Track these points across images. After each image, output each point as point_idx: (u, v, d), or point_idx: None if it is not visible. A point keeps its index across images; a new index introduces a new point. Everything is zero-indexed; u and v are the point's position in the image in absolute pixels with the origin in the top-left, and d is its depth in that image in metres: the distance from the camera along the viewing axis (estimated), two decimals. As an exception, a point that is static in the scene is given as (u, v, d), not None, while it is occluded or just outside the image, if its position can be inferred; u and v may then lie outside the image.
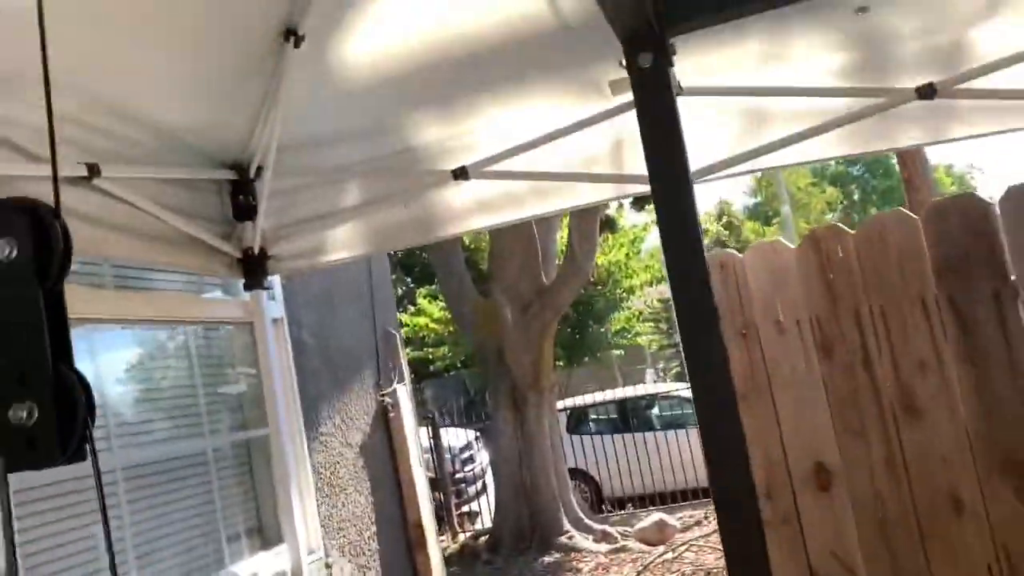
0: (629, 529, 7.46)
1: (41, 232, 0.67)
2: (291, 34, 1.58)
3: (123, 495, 1.83)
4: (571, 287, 7.27)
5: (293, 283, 2.20)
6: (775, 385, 2.08)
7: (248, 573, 1.94)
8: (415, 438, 2.64)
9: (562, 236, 8.22)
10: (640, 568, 6.18)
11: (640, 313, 18.51)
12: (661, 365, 20.20)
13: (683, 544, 6.59)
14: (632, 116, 1.67)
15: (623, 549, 6.93)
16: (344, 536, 2.10)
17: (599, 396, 10.78)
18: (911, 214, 1.95)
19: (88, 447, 0.66)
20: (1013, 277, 1.84)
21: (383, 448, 2.40)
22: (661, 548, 6.71)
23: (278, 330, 2.06)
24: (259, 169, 1.94)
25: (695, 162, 1.25)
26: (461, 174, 1.86)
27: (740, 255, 2.12)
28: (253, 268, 1.95)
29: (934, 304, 1.87)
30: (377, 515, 2.26)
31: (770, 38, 1.65)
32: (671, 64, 1.06)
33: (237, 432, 2.10)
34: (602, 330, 15.99)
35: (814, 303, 2.01)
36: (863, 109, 1.67)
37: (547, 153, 1.83)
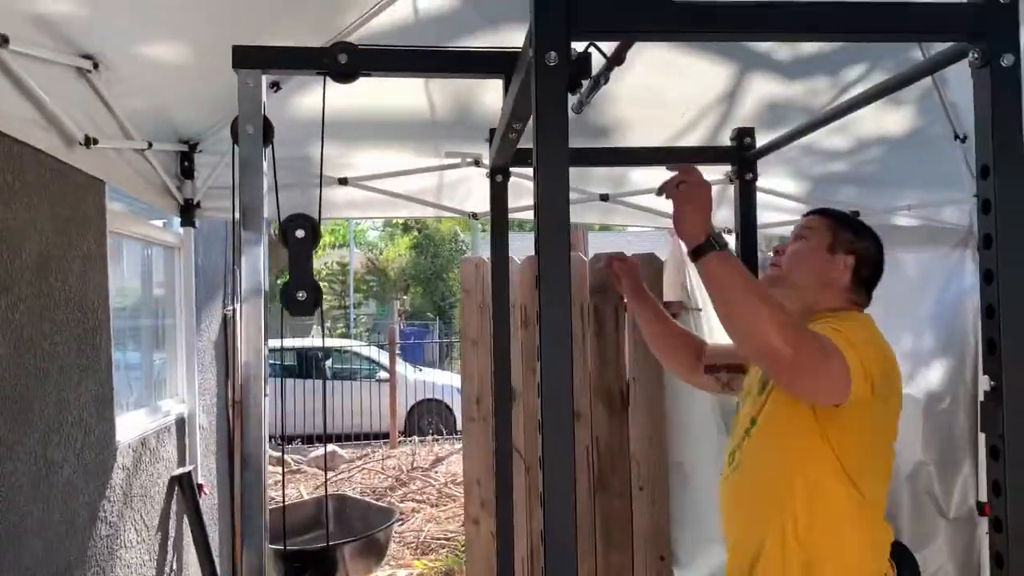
0: (303, 457, 8.64)
1: (313, 225, 1.78)
2: (275, 85, 2.62)
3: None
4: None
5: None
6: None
7: (166, 409, 2.88)
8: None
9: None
10: (317, 485, 7.41)
11: (318, 272, 19.47)
12: (328, 324, 21.29)
13: (354, 469, 7.96)
14: (452, 172, 2.98)
15: (298, 471, 8.10)
16: (205, 396, 3.13)
17: (276, 343, 11.51)
18: (584, 257, 3.48)
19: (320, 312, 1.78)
20: (624, 299, 3.44)
21: (222, 344, 3.43)
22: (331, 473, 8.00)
23: (188, 254, 3.03)
24: (196, 145, 2.90)
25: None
26: (344, 182, 3.00)
27: (487, 260, 3.51)
28: (189, 211, 2.90)
29: (587, 307, 3.42)
30: (218, 387, 3.35)
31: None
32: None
33: (164, 319, 3.01)
34: (278, 281, 16.75)
35: (524, 295, 3.45)
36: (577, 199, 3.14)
37: (399, 180, 3.05)
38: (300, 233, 1.79)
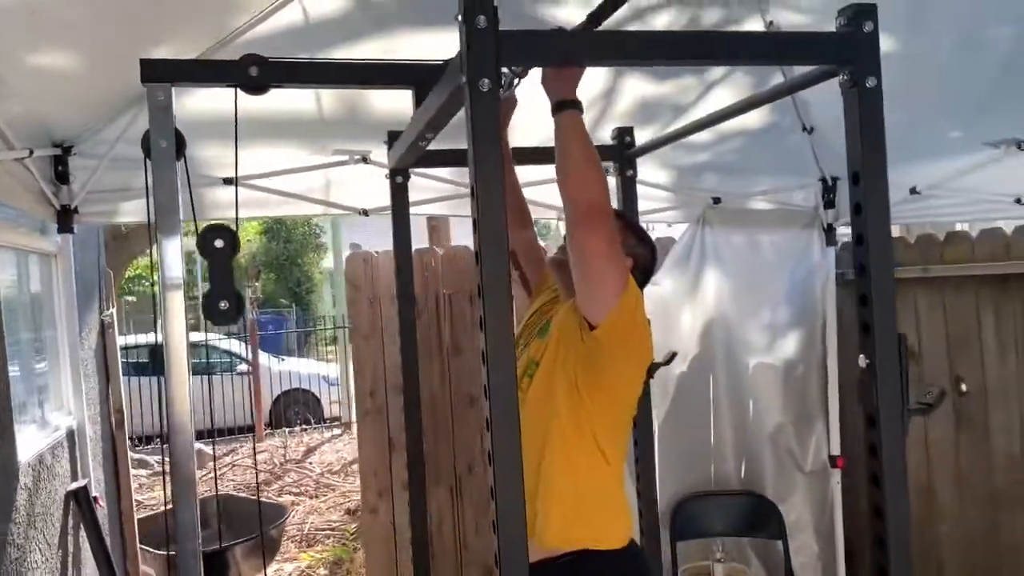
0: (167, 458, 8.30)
1: (232, 235, 1.80)
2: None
3: None
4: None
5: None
6: (385, 331, 3.56)
7: (55, 423, 2.76)
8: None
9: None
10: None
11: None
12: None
13: (226, 466, 7.75)
14: (339, 169, 3.01)
15: (160, 473, 7.80)
16: (91, 407, 3.03)
17: (131, 339, 10.92)
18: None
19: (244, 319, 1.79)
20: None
21: (101, 351, 3.31)
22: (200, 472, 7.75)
23: (67, 261, 2.89)
24: (71, 148, 2.78)
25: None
26: (229, 181, 2.96)
27: (376, 254, 3.56)
28: (67, 217, 2.78)
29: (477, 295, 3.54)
30: (101, 395, 3.25)
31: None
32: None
33: (44, 331, 2.85)
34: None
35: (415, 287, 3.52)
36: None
37: (287, 179, 3.05)
38: (219, 243, 1.80)
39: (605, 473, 1.89)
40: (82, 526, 2.70)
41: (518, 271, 2.37)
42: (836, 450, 3.59)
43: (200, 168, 2.94)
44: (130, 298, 17.36)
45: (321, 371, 11.71)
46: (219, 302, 1.80)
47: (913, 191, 3.03)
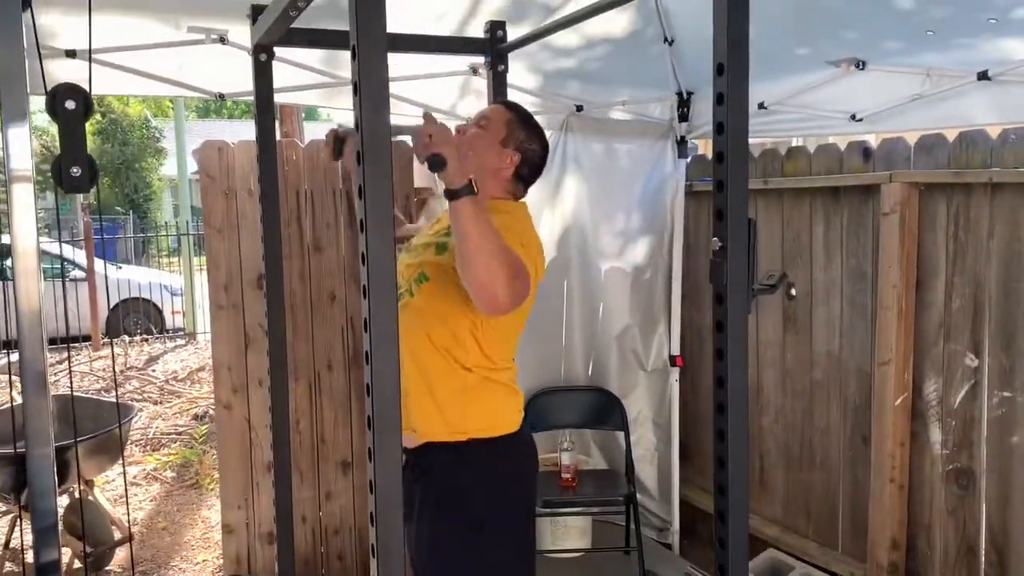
0: (-10, 365, 7.77)
1: (85, 96, 1.68)
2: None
3: None
4: None
5: None
6: (241, 226, 3.44)
7: None
8: None
9: None
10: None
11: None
12: (-6, 219, 18.59)
13: (60, 372, 7.33)
14: (194, 49, 2.84)
15: (-12, 381, 7.29)
16: None
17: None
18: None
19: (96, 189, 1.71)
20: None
21: None
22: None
23: None
24: None
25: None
26: (72, 54, 2.74)
27: (232, 144, 3.41)
28: None
29: (339, 193, 3.48)
30: None
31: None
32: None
33: None
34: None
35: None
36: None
37: (135, 56, 2.85)
38: (70, 104, 1.69)
39: (491, 374, 1.97)
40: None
41: None
42: (676, 350, 3.85)
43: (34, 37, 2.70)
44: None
45: (163, 280, 11.20)
46: (71, 167, 1.71)
47: (761, 106, 3.21)
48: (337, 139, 2.23)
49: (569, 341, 3.93)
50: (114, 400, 5.33)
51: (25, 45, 1.65)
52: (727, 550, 1.41)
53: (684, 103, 3.64)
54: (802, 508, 3.54)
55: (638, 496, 3.63)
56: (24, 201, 1.61)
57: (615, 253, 3.87)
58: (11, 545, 3.78)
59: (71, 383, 6.86)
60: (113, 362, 8.09)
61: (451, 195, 1.59)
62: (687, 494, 3.97)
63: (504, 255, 1.63)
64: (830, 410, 3.34)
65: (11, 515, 3.79)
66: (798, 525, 3.56)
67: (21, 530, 3.83)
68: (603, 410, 3.75)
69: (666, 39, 3.27)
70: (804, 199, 3.37)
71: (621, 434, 3.73)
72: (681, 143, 3.74)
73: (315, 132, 7.13)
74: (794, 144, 3.76)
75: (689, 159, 3.88)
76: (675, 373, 3.88)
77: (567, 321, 3.91)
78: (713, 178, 1.59)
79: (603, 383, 3.87)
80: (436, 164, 1.58)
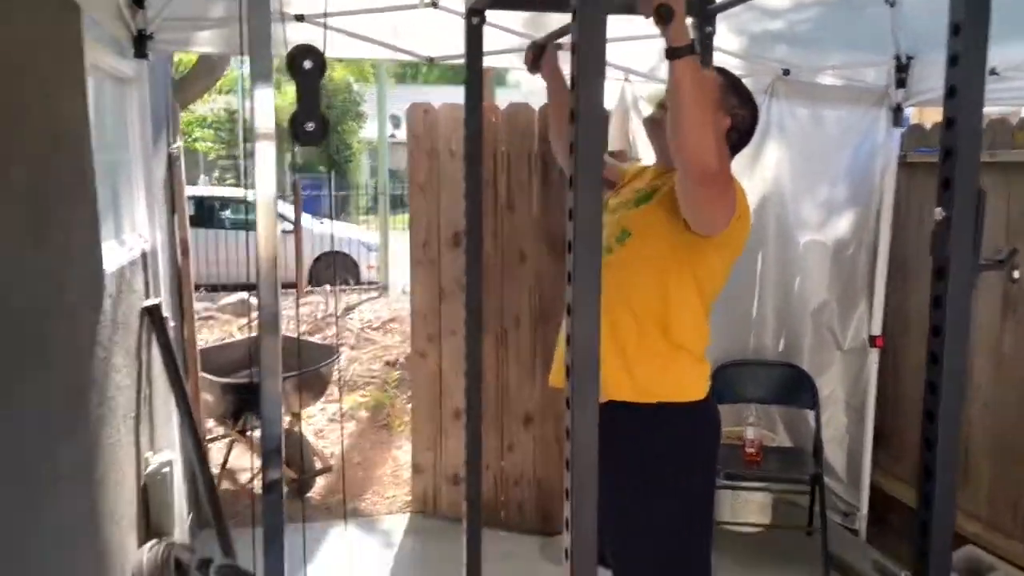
0: (212, 304, 8.61)
1: (320, 56, 1.82)
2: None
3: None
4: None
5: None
6: (442, 183, 3.61)
7: (130, 243, 2.88)
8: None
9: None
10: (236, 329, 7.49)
11: (204, 119, 18.54)
12: (216, 173, 20.46)
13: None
14: (406, 13, 2.96)
15: (211, 318, 8.11)
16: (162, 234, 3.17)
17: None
18: (533, 107, 3.57)
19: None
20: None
21: (168, 183, 3.42)
22: (244, 320, 8.04)
23: (143, 87, 2.94)
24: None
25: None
26: (301, 19, 2.95)
27: (437, 106, 3.56)
28: (142, 43, 2.81)
29: (534, 155, 3.55)
30: (167, 225, 3.39)
31: None
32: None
33: (120, 155, 2.94)
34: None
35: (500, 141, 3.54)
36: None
37: (352, 20, 3.02)
38: (308, 64, 1.83)
39: (684, 340, 1.96)
40: (154, 342, 2.86)
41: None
42: (877, 330, 3.65)
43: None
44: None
45: (360, 236, 11.92)
46: (305, 123, 1.86)
47: (992, 71, 2.94)
48: (538, 49, 2.26)
49: (761, 313, 3.82)
50: (320, 342, 5.78)
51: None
52: (929, 537, 1.34)
53: (903, 67, 3.40)
54: (1009, 506, 3.27)
55: (824, 478, 3.50)
56: (267, 156, 1.75)
57: (816, 225, 3.71)
58: (228, 466, 4.21)
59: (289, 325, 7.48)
60: (333, 309, 8.73)
61: (672, 53, 1.59)
62: (878, 480, 3.78)
63: (717, 130, 1.68)
64: (1052, 406, 3.06)
65: (229, 439, 4.22)
66: (1003, 524, 3.30)
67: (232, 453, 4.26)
68: (793, 387, 3.63)
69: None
70: (1036, 174, 3.07)
71: (810, 413, 3.60)
72: (897, 111, 3.50)
73: (506, 98, 7.26)
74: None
75: (904, 128, 3.62)
76: (874, 354, 3.67)
77: (760, 292, 3.80)
78: (941, 145, 1.50)
79: (795, 359, 3.74)
80: (664, 15, 1.55)
